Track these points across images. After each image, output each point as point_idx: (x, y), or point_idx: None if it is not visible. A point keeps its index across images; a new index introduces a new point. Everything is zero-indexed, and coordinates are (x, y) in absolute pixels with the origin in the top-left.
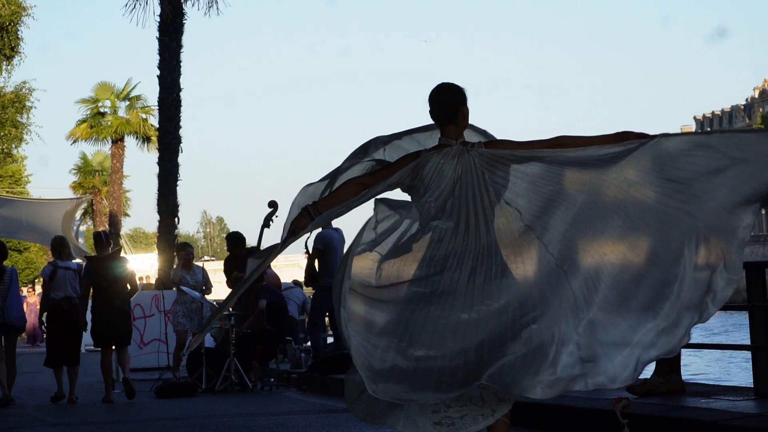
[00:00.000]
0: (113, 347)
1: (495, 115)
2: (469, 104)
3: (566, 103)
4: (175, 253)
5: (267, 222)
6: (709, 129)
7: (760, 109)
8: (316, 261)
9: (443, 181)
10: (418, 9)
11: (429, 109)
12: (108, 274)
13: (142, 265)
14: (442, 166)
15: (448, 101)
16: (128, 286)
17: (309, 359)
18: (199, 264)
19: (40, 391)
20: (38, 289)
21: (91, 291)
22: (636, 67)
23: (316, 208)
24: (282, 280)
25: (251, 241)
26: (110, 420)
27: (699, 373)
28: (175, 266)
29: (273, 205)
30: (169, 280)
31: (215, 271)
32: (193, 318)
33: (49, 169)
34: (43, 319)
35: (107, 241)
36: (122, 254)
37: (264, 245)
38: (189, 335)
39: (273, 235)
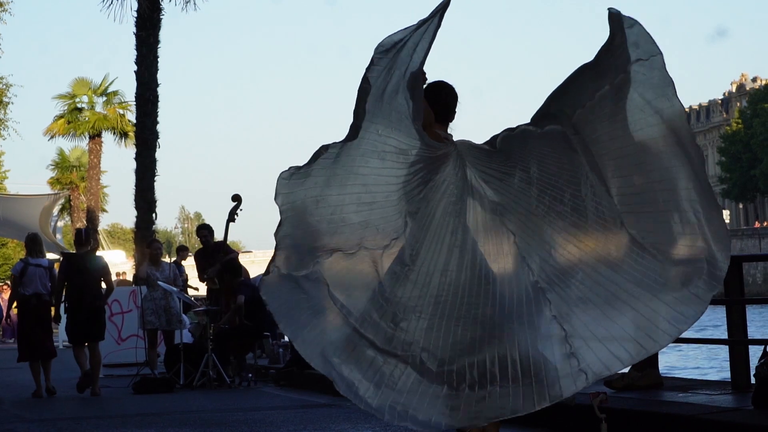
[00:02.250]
0: (86, 344)
1: (490, 111)
2: (469, 102)
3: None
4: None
5: (232, 216)
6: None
7: (737, 104)
8: None
9: (452, 176)
10: (418, 9)
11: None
12: (82, 271)
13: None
14: (455, 162)
15: (451, 103)
16: (103, 284)
17: (287, 354)
18: (166, 260)
19: (18, 387)
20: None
21: (66, 287)
22: None
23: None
24: (260, 274)
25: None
26: (88, 416)
27: (677, 368)
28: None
29: (237, 198)
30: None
31: (192, 266)
32: (161, 315)
33: (26, 164)
34: (11, 314)
35: (86, 238)
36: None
37: (230, 239)
38: (160, 333)
39: (239, 229)
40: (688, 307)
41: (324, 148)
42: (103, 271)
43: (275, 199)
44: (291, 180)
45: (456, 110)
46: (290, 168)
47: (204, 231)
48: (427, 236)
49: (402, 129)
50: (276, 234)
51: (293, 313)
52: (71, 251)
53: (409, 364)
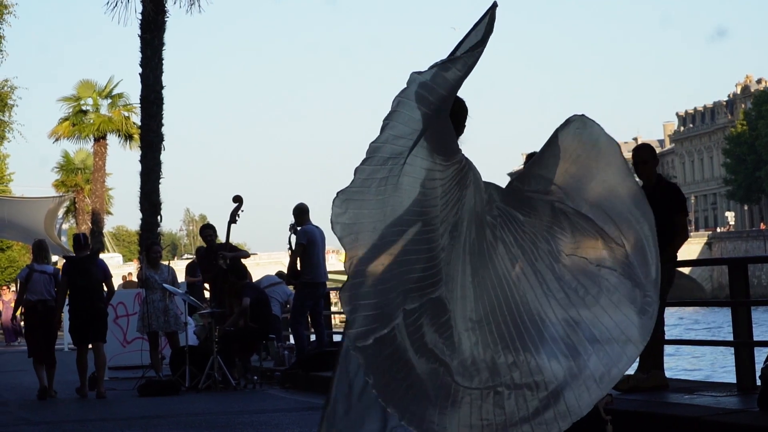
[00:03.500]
0: (89, 344)
1: (491, 111)
2: (471, 104)
3: (549, 100)
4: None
5: (233, 217)
6: (691, 125)
7: (742, 105)
8: (298, 258)
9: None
10: (418, 9)
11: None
12: (84, 273)
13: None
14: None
15: (460, 116)
16: (105, 287)
17: (292, 357)
18: (165, 263)
19: (23, 389)
20: (14, 287)
21: (69, 290)
22: (618, 65)
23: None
24: (265, 277)
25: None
26: (94, 418)
27: (682, 370)
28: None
29: (238, 199)
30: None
31: None
32: (160, 317)
33: (31, 167)
34: (17, 315)
35: (86, 242)
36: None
37: (235, 242)
38: (161, 335)
39: (243, 231)
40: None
41: (382, 168)
42: (104, 273)
43: (336, 230)
44: (352, 203)
45: (465, 124)
46: (343, 193)
47: (209, 231)
48: (460, 253)
49: (440, 146)
50: (351, 284)
51: (392, 388)
52: (74, 254)
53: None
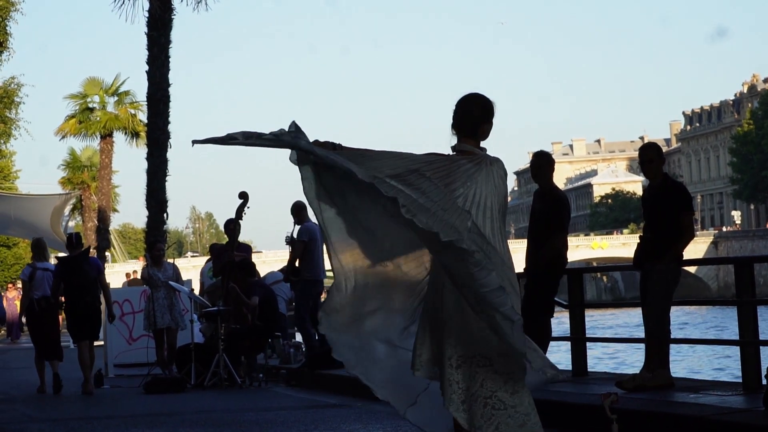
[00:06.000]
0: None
1: (495, 110)
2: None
3: (555, 99)
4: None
5: (239, 213)
6: (698, 124)
7: (749, 105)
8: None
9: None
10: (418, 9)
11: (453, 113)
12: (78, 272)
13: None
14: (473, 172)
15: (469, 114)
16: (99, 285)
17: (297, 354)
18: (170, 261)
19: (28, 386)
20: (18, 285)
21: (65, 289)
22: (625, 64)
23: (342, 148)
24: (269, 273)
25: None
26: (99, 415)
27: (687, 369)
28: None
29: (243, 196)
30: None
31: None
32: (166, 314)
33: (37, 164)
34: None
35: (78, 242)
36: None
37: (243, 239)
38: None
39: (249, 230)
40: None
41: None
42: (98, 269)
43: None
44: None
45: (480, 125)
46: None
47: (233, 224)
48: None
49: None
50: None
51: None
52: (65, 254)
53: None
